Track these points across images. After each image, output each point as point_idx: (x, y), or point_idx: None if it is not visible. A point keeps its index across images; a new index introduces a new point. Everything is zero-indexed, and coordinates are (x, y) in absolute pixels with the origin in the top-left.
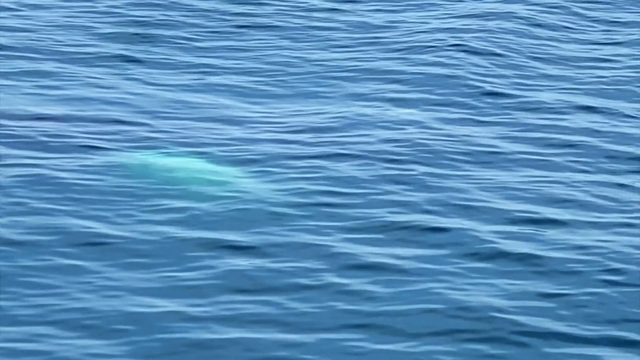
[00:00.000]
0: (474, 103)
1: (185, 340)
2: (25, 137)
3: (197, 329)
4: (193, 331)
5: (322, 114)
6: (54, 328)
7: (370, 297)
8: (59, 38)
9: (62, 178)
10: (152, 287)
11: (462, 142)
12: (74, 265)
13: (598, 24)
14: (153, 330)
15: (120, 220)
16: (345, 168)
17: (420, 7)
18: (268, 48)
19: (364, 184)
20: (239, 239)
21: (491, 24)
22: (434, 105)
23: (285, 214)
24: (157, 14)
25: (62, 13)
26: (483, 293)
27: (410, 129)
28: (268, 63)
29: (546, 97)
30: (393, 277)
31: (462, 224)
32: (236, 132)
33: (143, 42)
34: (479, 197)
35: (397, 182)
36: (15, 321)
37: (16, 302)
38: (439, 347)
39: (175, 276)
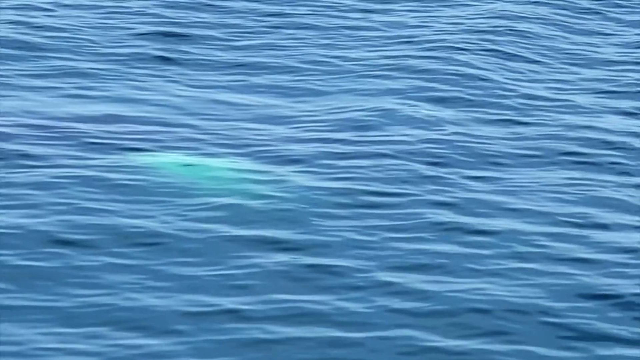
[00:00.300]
0: (510, 104)
1: (239, 339)
2: (70, 137)
3: (251, 328)
4: (247, 330)
5: (362, 111)
6: (109, 328)
7: (419, 297)
8: (96, 38)
9: (108, 179)
10: (204, 286)
11: (502, 143)
12: (126, 264)
13: (631, 27)
14: (208, 329)
15: (169, 219)
16: (387, 167)
17: (452, 7)
18: (304, 47)
19: (406, 184)
20: (286, 237)
21: (522, 27)
22: (471, 105)
23: (330, 213)
24: (190, 15)
25: (96, 13)
26: (530, 294)
27: (450, 129)
28: (305, 62)
29: (582, 100)
30: (440, 277)
31: (507, 225)
32: (278, 131)
33: (180, 42)
34: (522, 198)
35: (440, 183)
36: (71, 322)
37: (71, 302)
38: (487, 347)
39: (226, 274)
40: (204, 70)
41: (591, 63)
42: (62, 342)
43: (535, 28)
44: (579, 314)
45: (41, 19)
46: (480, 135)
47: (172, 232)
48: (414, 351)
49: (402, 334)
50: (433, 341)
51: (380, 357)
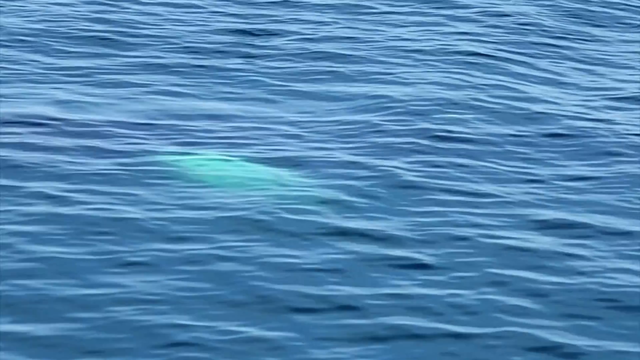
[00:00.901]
0: (590, 104)
1: (354, 332)
2: (163, 134)
3: (365, 322)
4: (361, 324)
5: (445, 104)
6: (226, 320)
7: (529, 294)
8: (175, 34)
9: (206, 175)
10: (312, 278)
11: (588, 141)
12: (233, 257)
13: None
14: (320, 323)
15: (271, 211)
16: (478, 164)
17: (517, 5)
18: (384, 40)
19: (499, 182)
20: (388, 231)
21: (587, 29)
22: (550, 103)
23: (428, 209)
24: (266, 11)
25: (170, 10)
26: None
27: (535, 125)
28: (386, 55)
29: None
30: (548, 275)
31: (606, 223)
32: (370, 120)
33: (260, 37)
34: (620, 196)
35: (533, 181)
36: (190, 313)
37: (190, 293)
38: (600, 349)
39: (332, 267)
40: (289, 64)
41: None
42: (180, 332)
43: (602, 29)
44: None
45: (116, 15)
46: (566, 134)
47: (274, 225)
48: (528, 349)
49: (515, 330)
50: (545, 340)
51: (494, 354)
